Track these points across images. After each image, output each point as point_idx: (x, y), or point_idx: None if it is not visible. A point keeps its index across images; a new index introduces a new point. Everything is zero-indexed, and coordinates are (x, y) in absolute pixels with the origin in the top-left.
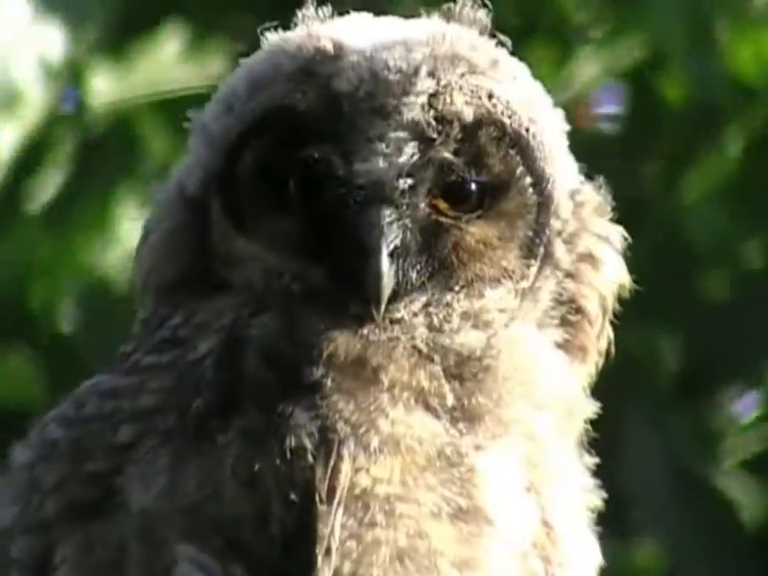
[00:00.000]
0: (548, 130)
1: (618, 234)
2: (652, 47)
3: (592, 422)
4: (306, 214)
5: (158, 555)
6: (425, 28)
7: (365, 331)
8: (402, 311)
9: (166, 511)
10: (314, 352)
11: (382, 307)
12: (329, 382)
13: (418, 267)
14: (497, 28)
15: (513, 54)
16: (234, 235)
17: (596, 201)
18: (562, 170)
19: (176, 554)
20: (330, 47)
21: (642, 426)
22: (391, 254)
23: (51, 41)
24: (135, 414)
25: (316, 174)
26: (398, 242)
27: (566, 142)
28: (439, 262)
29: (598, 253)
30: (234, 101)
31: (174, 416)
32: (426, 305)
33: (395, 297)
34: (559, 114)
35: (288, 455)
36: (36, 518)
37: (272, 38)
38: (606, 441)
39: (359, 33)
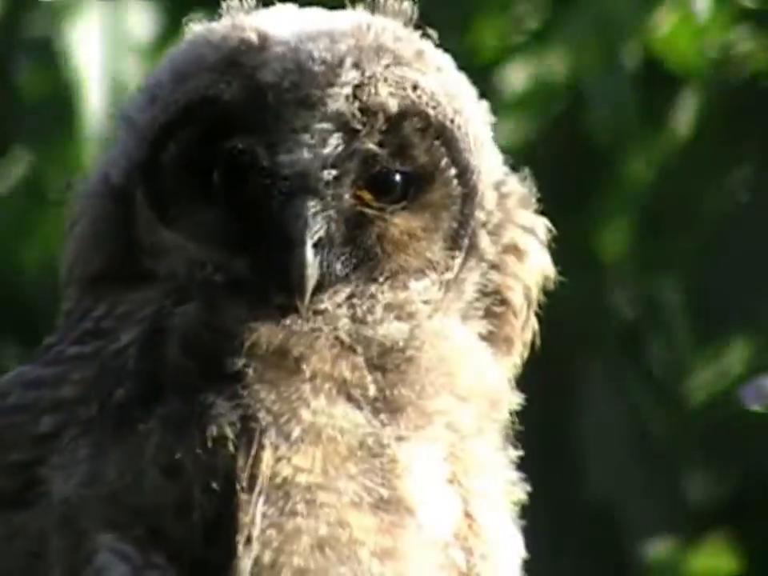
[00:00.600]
0: (473, 122)
1: (542, 226)
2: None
3: (548, 387)
4: (230, 205)
5: (79, 544)
6: (349, 19)
7: (287, 322)
8: (325, 302)
9: (87, 500)
10: (236, 341)
11: (306, 298)
12: (251, 372)
13: (343, 258)
14: (424, 21)
15: (438, 45)
16: (157, 226)
17: (521, 192)
18: (487, 161)
19: (97, 543)
20: (254, 38)
21: (596, 383)
22: (315, 245)
23: None
24: (57, 403)
25: (240, 164)
26: (322, 233)
27: (490, 134)
28: (363, 254)
29: (522, 244)
30: (157, 91)
31: (95, 406)
32: (350, 296)
33: (319, 288)
34: (484, 105)
35: (209, 444)
36: None
37: (196, 29)
38: (560, 403)
39: (284, 24)
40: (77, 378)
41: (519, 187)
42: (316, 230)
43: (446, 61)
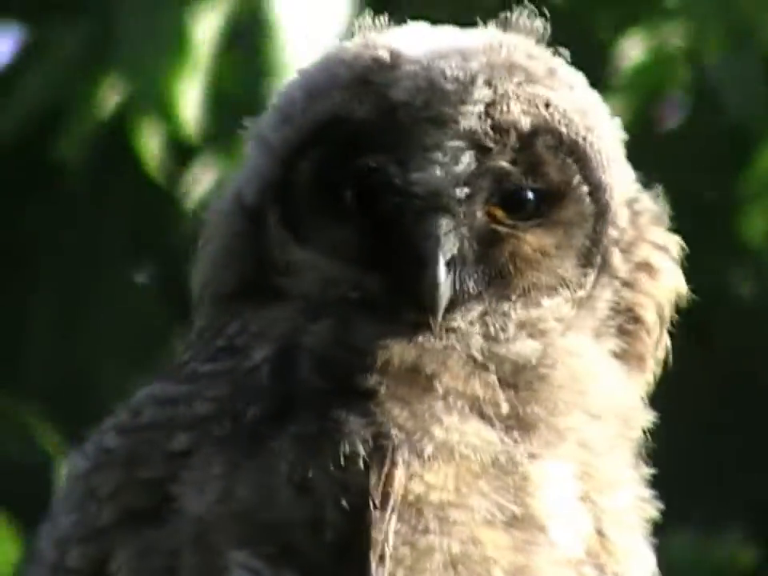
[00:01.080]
0: (605, 139)
1: (675, 244)
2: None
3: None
4: (363, 223)
5: (212, 561)
6: (481, 37)
7: (419, 339)
8: (458, 320)
9: (220, 517)
10: (368, 359)
11: (439, 317)
12: (383, 389)
13: (475, 276)
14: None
15: (570, 63)
16: (291, 245)
17: (653, 210)
18: (619, 178)
19: (229, 560)
20: (386, 56)
21: None
22: (448, 264)
23: None
24: (191, 421)
25: (372, 183)
26: (454, 250)
27: (622, 151)
28: (496, 271)
29: (655, 262)
30: (290, 110)
31: (228, 423)
32: (483, 314)
33: (452, 306)
34: (616, 122)
35: (342, 461)
36: (92, 526)
37: (329, 47)
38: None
39: (416, 42)
40: (210, 395)
41: (652, 205)
42: (448, 248)
43: (578, 79)
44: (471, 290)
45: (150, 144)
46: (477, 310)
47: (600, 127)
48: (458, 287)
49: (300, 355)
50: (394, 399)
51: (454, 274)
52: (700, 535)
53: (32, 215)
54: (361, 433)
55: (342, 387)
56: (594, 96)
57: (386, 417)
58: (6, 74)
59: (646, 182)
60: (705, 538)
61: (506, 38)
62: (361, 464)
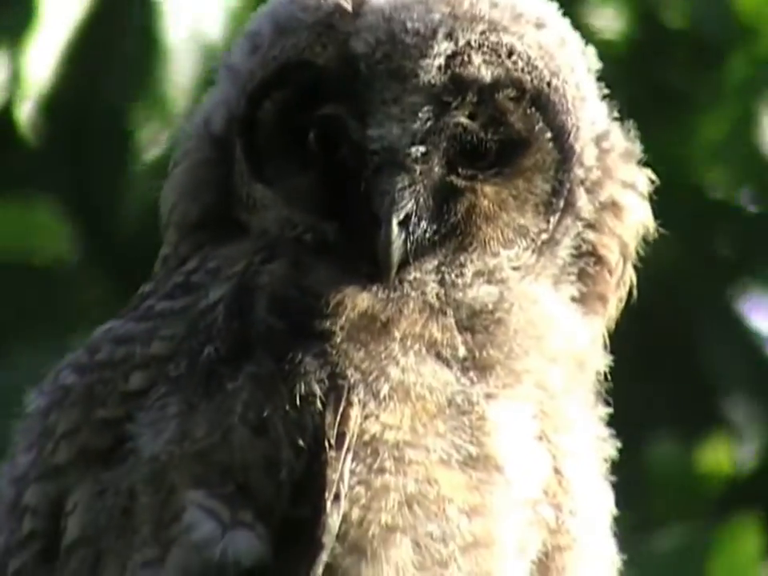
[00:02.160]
0: (572, 79)
1: (644, 179)
2: None
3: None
4: (323, 171)
5: (168, 501)
6: None
7: (375, 289)
8: (412, 273)
9: (176, 457)
10: (324, 302)
11: (392, 273)
12: (338, 331)
13: (431, 231)
14: None
15: None
16: (252, 180)
17: (622, 146)
18: (587, 116)
19: (185, 499)
20: (349, 4)
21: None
22: (402, 222)
23: None
24: (147, 360)
25: (332, 132)
26: (409, 208)
27: (593, 85)
28: (453, 226)
29: (621, 200)
30: (258, 41)
31: (184, 363)
32: (439, 265)
33: (406, 261)
34: (589, 52)
35: (298, 401)
36: (49, 464)
37: None
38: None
39: None
40: (166, 335)
41: (621, 140)
42: (403, 206)
43: (547, 13)
44: (427, 244)
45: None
46: (432, 263)
47: (567, 67)
48: (411, 245)
49: (256, 295)
50: (350, 341)
51: (407, 232)
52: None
53: None
54: (316, 373)
55: (298, 328)
56: (564, 31)
57: (342, 357)
58: None
59: (619, 115)
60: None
61: None
62: (317, 404)
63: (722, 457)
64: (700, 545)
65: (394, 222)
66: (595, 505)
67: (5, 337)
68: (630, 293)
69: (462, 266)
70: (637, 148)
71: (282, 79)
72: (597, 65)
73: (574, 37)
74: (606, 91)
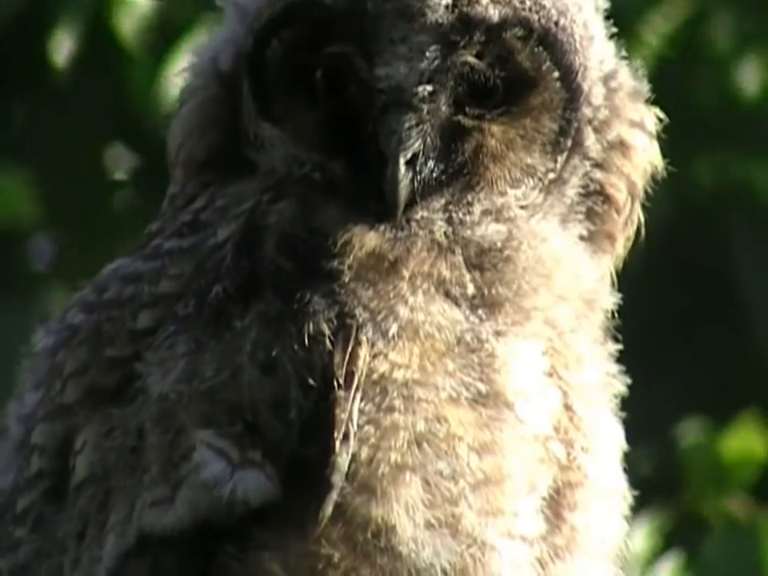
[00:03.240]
0: (580, 17)
1: (651, 117)
2: None
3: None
4: (330, 109)
5: (177, 440)
6: None
7: (382, 228)
8: (420, 212)
9: (185, 397)
10: (332, 241)
11: (399, 212)
12: (347, 271)
13: (438, 170)
14: None
15: None
16: (260, 118)
17: (631, 85)
18: (595, 56)
19: (194, 438)
20: None
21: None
22: (410, 161)
23: None
24: (155, 299)
25: (340, 71)
26: (416, 147)
27: (601, 24)
28: (460, 166)
29: (629, 139)
30: None
31: (193, 302)
32: (446, 204)
33: (414, 200)
34: None
35: (306, 340)
36: (57, 403)
37: None
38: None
39: None
40: (174, 273)
41: (629, 79)
42: (410, 145)
43: None
44: (434, 184)
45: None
46: (440, 202)
47: (575, 6)
48: (418, 184)
49: (264, 235)
50: (359, 280)
51: (414, 171)
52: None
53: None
54: (325, 312)
55: (306, 268)
56: None
57: (351, 297)
58: None
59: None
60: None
61: None
62: (325, 343)
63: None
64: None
65: (401, 161)
66: (606, 440)
67: None
68: (638, 231)
69: (470, 204)
70: (645, 87)
71: (289, 18)
72: (604, 4)
73: None
74: (614, 30)
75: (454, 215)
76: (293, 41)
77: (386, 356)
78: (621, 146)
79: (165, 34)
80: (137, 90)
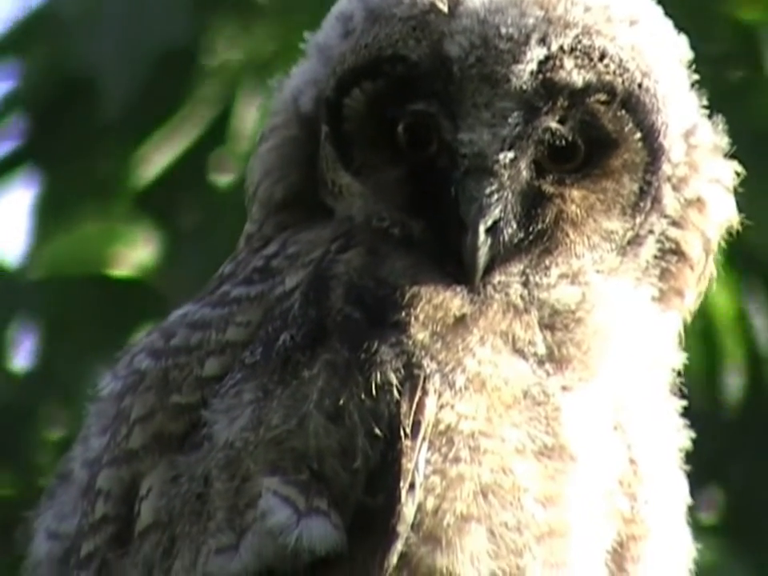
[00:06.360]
0: (664, 74)
1: (729, 173)
2: None
3: None
4: (412, 166)
5: (243, 487)
6: None
7: (458, 288)
8: (497, 277)
9: (251, 444)
10: (400, 292)
11: (477, 279)
12: (414, 322)
13: (518, 238)
14: None
15: None
16: (339, 167)
17: (710, 141)
18: (677, 112)
19: (260, 486)
20: (444, 4)
21: None
22: (489, 228)
23: None
24: (222, 346)
25: (422, 128)
26: (496, 214)
27: (685, 76)
28: (540, 232)
29: (706, 195)
30: (350, 26)
31: (260, 349)
32: (524, 269)
33: (492, 266)
34: (682, 41)
35: (374, 389)
36: (123, 448)
37: None
38: None
39: None
40: (242, 321)
41: (709, 136)
42: (489, 212)
43: (641, 6)
44: (513, 250)
45: None
46: (518, 266)
47: (659, 64)
48: (498, 249)
49: (332, 284)
50: (427, 332)
51: (495, 237)
52: None
53: None
54: (392, 362)
55: (374, 318)
56: (657, 24)
57: (418, 348)
58: None
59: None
60: None
61: None
62: (393, 393)
63: None
64: None
65: (482, 228)
66: (670, 494)
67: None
68: (709, 286)
69: (547, 268)
70: (724, 141)
71: (373, 69)
72: (689, 54)
73: (667, 28)
74: (696, 77)
75: (530, 278)
76: (376, 93)
77: (452, 407)
78: (698, 202)
79: None
80: None
